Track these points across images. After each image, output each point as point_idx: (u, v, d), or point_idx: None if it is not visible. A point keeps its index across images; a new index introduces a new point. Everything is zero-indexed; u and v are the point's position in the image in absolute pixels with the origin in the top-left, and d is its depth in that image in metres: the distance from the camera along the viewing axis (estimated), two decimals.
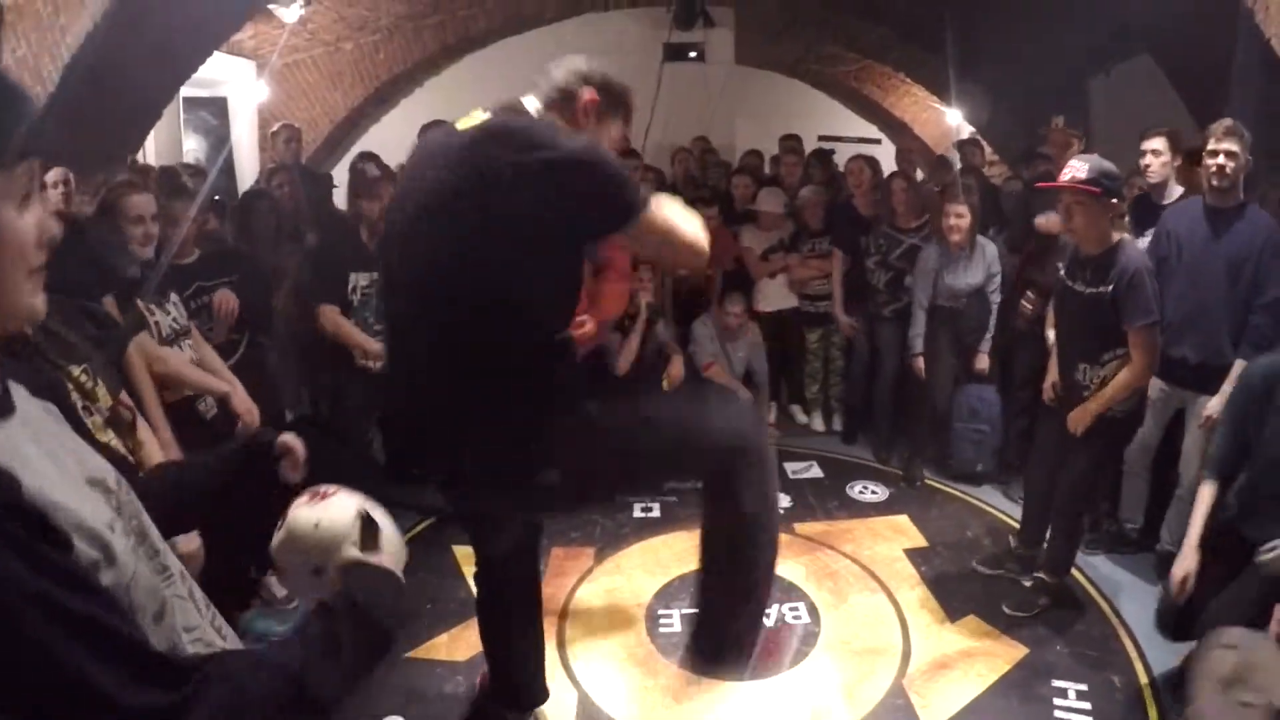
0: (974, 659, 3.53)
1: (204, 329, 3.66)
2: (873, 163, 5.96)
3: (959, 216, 4.91)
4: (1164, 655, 3.42)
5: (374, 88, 8.88)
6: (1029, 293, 4.74)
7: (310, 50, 8.29)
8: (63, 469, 1.06)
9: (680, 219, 2.07)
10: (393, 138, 7.94)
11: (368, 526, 1.42)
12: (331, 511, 1.45)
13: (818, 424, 6.17)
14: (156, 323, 3.28)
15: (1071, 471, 3.67)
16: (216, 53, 6.29)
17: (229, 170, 7.82)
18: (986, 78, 8.22)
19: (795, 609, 3.88)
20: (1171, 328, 3.84)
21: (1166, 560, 3.58)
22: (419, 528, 4.58)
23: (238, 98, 8.26)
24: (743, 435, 2.25)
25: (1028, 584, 3.95)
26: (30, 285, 1.03)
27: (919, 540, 4.55)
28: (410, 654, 3.53)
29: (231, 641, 1.32)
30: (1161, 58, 6.45)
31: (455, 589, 4.00)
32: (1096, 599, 3.98)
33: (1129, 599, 3.92)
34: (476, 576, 2.94)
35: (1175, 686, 3.11)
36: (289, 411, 4.67)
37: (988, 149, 8.65)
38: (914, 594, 4.02)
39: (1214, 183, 3.71)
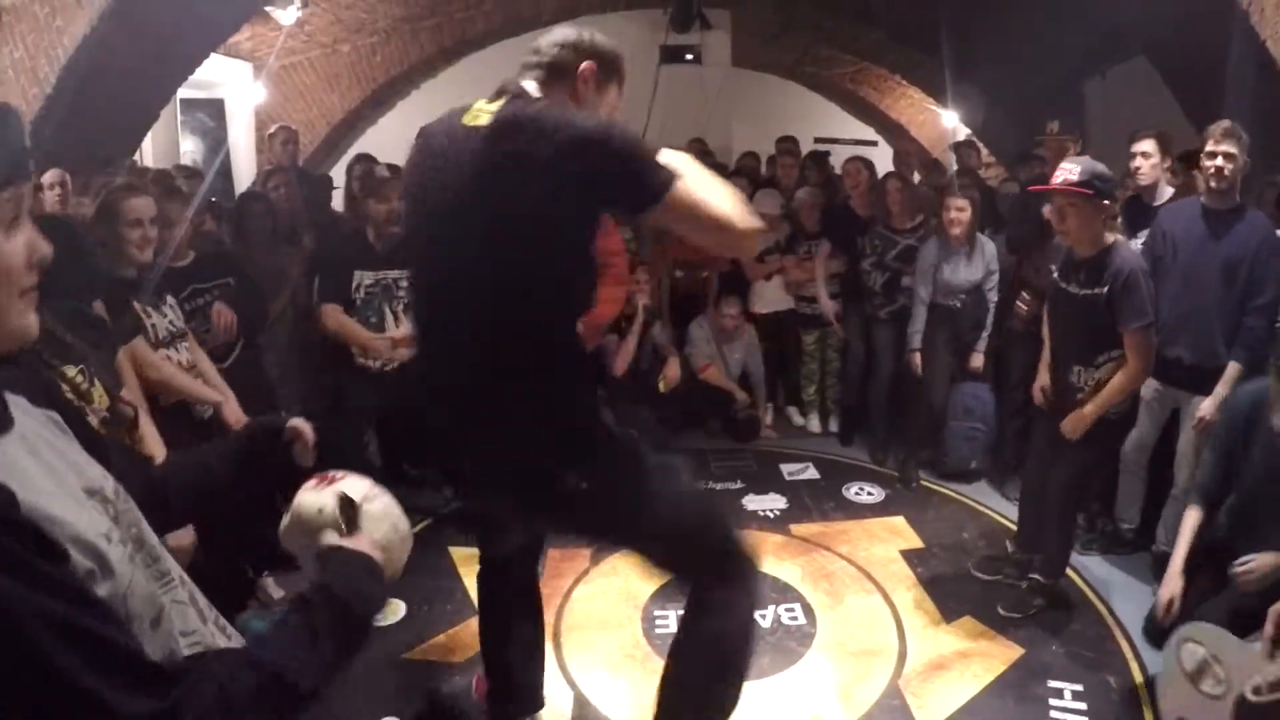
0: (970, 659, 3.54)
1: (200, 331, 3.67)
2: (869, 164, 5.98)
3: (959, 210, 4.92)
4: (1159, 656, 3.42)
5: (371, 90, 8.89)
6: (1024, 293, 4.75)
7: (307, 52, 8.30)
8: (60, 481, 1.07)
9: (714, 194, 1.90)
10: (390, 140, 7.95)
11: (346, 509, 1.43)
12: (334, 496, 1.47)
13: (814, 425, 6.18)
14: (153, 325, 3.29)
15: (1063, 473, 3.67)
16: (213, 54, 6.30)
17: (226, 172, 7.83)
18: (983, 80, 8.25)
19: (791, 610, 3.89)
20: (1166, 328, 3.85)
21: (1162, 560, 3.59)
22: (416, 529, 4.57)
23: (235, 99, 8.27)
24: (753, 564, 2.28)
25: (1023, 585, 3.96)
26: (21, 306, 1.04)
27: (915, 541, 4.55)
28: (407, 655, 3.54)
29: (235, 641, 1.33)
30: (1157, 59, 6.47)
31: (452, 590, 4.00)
32: (1092, 599, 3.98)
33: (1124, 599, 3.92)
34: (479, 576, 2.94)
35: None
36: (285, 414, 4.67)
37: (984, 151, 8.67)
38: (910, 595, 4.02)
39: (1212, 184, 3.72)
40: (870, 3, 8.60)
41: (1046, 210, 4.65)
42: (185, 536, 2.49)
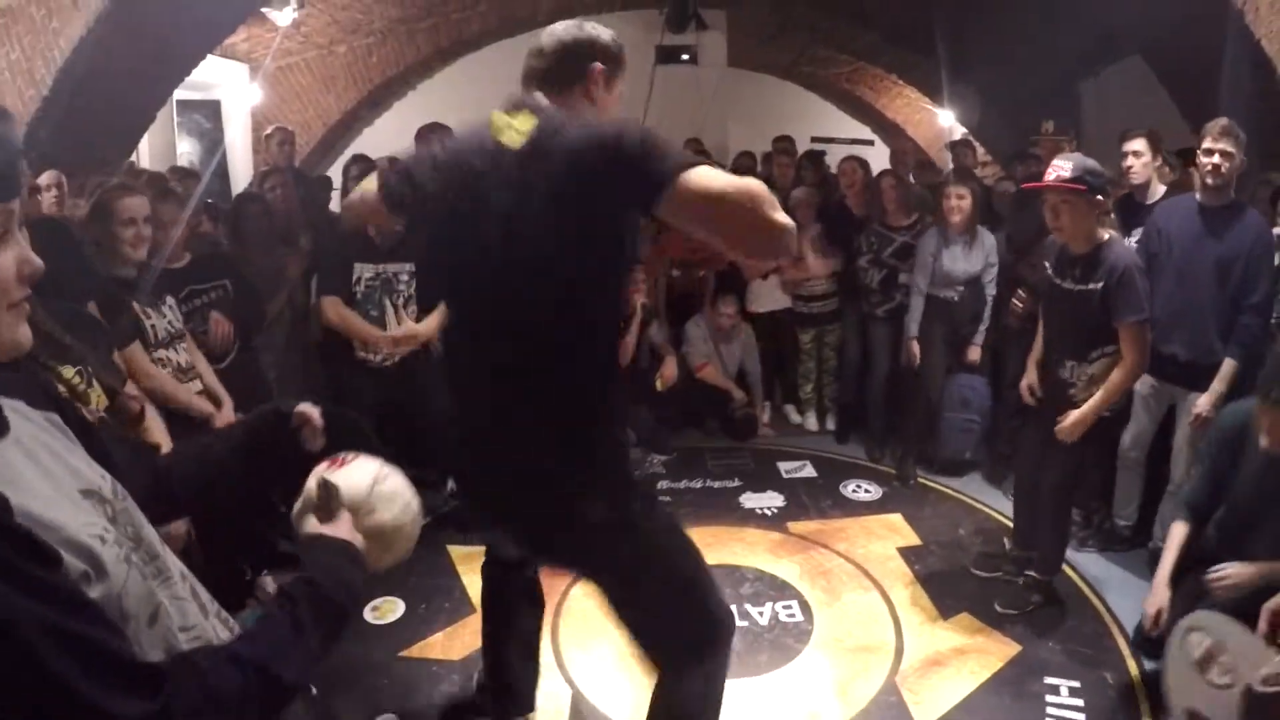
0: (967, 656, 3.55)
1: (197, 333, 3.68)
2: (864, 164, 5.99)
3: (960, 198, 4.94)
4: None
5: (367, 90, 8.89)
6: (1020, 291, 4.76)
7: (303, 53, 8.30)
8: (56, 484, 1.09)
9: (740, 184, 1.73)
10: (386, 140, 7.97)
11: (324, 494, 1.44)
12: (350, 478, 1.50)
13: (811, 423, 6.19)
14: (152, 325, 3.30)
15: (1056, 470, 3.68)
16: (210, 55, 6.30)
17: (222, 173, 7.84)
18: (978, 80, 8.26)
19: (789, 607, 3.90)
20: (1162, 325, 3.86)
21: (1158, 557, 3.59)
22: None
23: (231, 101, 8.27)
24: (729, 633, 2.33)
25: (1020, 582, 3.97)
26: (11, 319, 1.06)
27: (912, 539, 4.56)
28: (405, 652, 3.55)
29: (237, 634, 1.34)
30: (1152, 59, 6.49)
31: (450, 589, 4.01)
32: (1089, 596, 3.99)
33: (1121, 596, 3.93)
34: (484, 572, 2.94)
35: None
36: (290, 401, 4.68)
37: (980, 150, 8.68)
38: (907, 592, 4.03)
39: (1208, 181, 3.73)
40: (865, 4, 8.61)
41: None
42: (179, 524, 2.50)
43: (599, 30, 2.14)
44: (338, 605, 1.27)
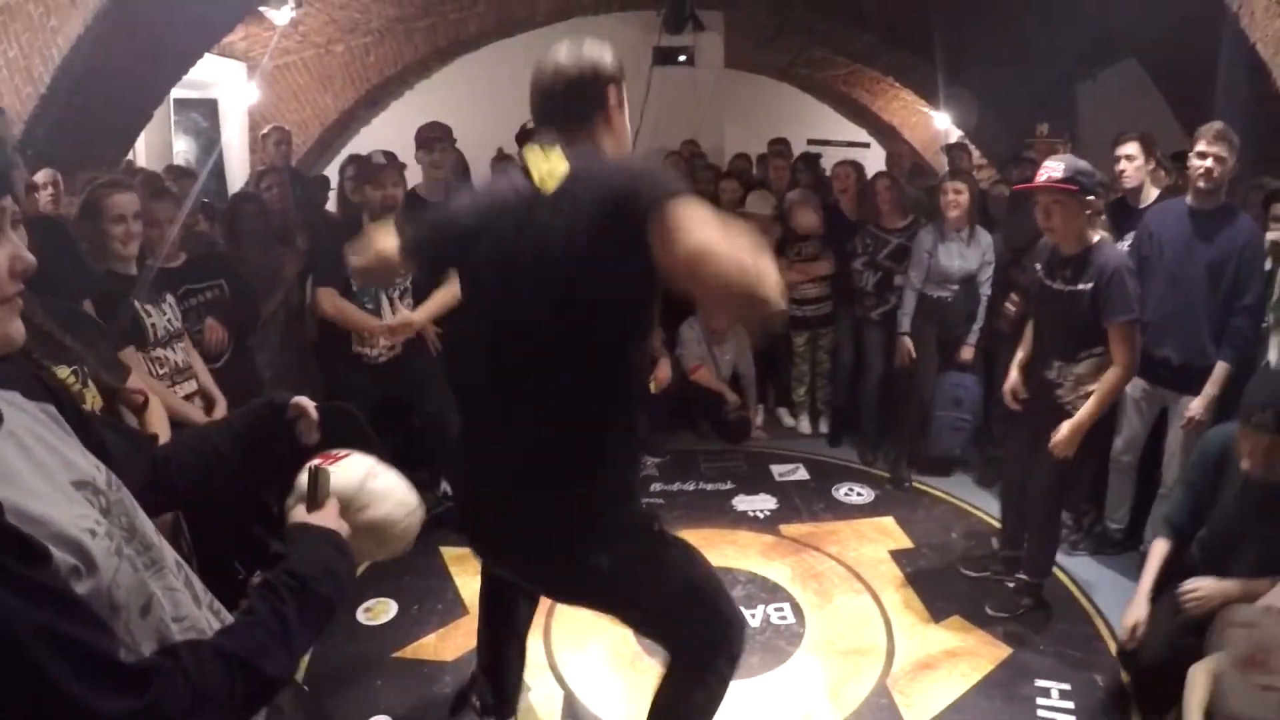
0: (958, 659, 3.56)
1: (193, 332, 3.69)
2: (858, 167, 6.01)
3: (957, 192, 4.96)
4: None
5: (364, 90, 8.90)
6: (1013, 294, 4.78)
7: (301, 52, 8.31)
8: (49, 476, 1.10)
9: (725, 240, 1.67)
10: (383, 140, 7.96)
11: (313, 483, 1.45)
12: (341, 474, 1.51)
13: (804, 426, 6.19)
14: (152, 324, 3.32)
15: (1044, 473, 3.69)
16: (207, 54, 6.31)
17: (219, 172, 7.84)
18: (974, 83, 8.28)
19: (780, 609, 3.90)
20: (1154, 328, 3.88)
21: None
22: None
23: (228, 99, 8.28)
24: (743, 632, 2.39)
25: (1011, 585, 3.98)
26: (3, 314, 1.08)
27: (904, 542, 4.57)
28: (398, 653, 3.55)
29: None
30: (1147, 62, 6.50)
31: (443, 590, 4.02)
32: (1080, 599, 4.01)
33: (1112, 599, 3.92)
34: (484, 568, 2.95)
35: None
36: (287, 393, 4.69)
37: (976, 153, 8.70)
38: (898, 595, 4.04)
39: (1200, 184, 3.75)
40: (863, 6, 8.63)
41: None
42: (164, 515, 2.51)
43: (601, 53, 2.09)
44: (322, 597, 1.28)
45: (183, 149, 7.94)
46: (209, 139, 8.18)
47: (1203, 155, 3.71)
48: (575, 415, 2.00)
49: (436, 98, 9.01)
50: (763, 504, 5.01)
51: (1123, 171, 4.29)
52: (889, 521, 4.81)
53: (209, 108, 8.30)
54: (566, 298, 1.90)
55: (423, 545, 4.31)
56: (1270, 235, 3.88)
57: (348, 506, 1.48)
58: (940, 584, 4.12)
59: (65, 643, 0.94)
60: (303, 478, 1.51)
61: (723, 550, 4.39)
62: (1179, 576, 3.09)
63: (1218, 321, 3.80)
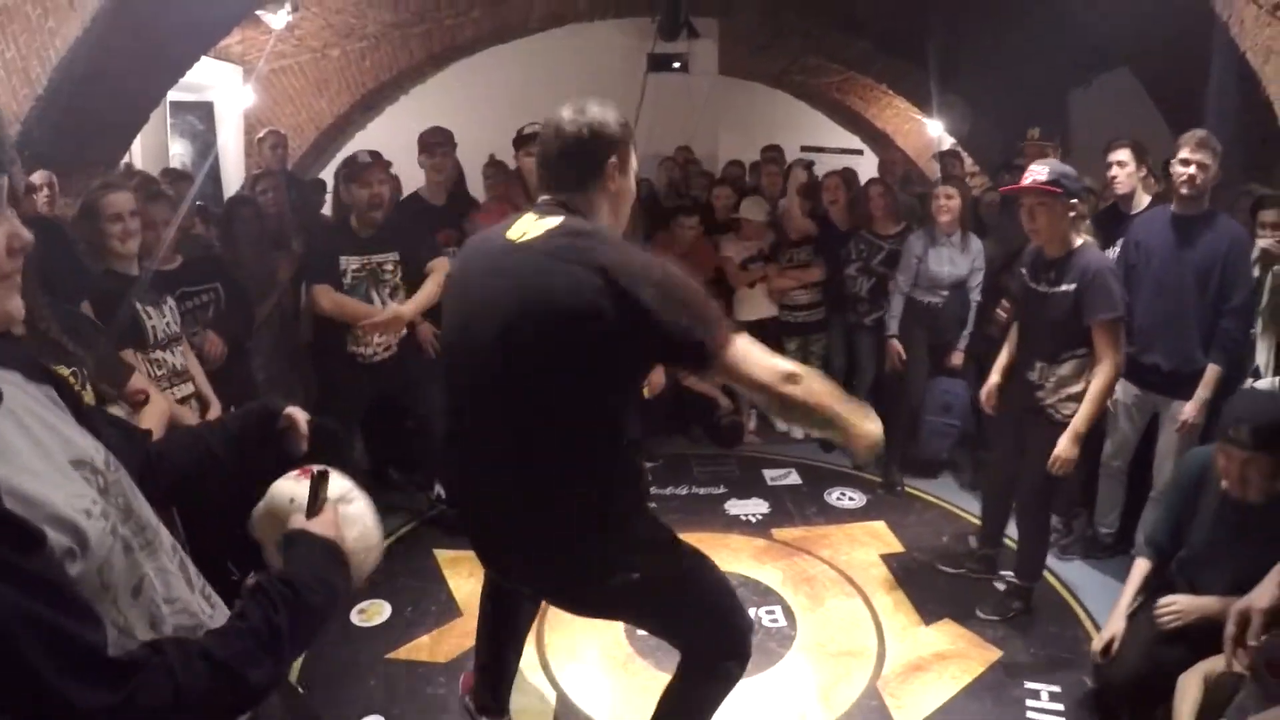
0: (948, 661, 3.59)
1: (188, 334, 3.70)
2: (849, 179, 6.04)
3: (948, 197, 5.00)
4: None
5: (360, 95, 8.90)
6: (1004, 300, 4.81)
7: (297, 56, 8.32)
8: (47, 455, 1.11)
9: (757, 362, 1.95)
10: (378, 145, 7.94)
11: (316, 489, 1.45)
12: (307, 489, 1.49)
13: (797, 432, 6.20)
14: (153, 326, 3.34)
15: (1029, 477, 3.73)
16: (203, 57, 6.31)
17: (215, 175, 7.84)
18: (968, 90, 8.31)
19: (772, 612, 3.93)
20: (1143, 335, 3.94)
21: None
22: (401, 531, 4.62)
23: (224, 103, 8.28)
24: (751, 631, 2.48)
25: (1001, 588, 4.02)
26: (3, 290, 1.09)
27: (895, 546, 4.60)
28: (392, 655, 3.56)
29: (219, 611, 1.37)
30: (1139, 71, 6.54)
31: (437, 592, 4.03)
32: (1070, 603, 4.04)
33: (1102, 602, 3.94)
34: (487, 574, 2.97)
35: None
36: (282, 401, 4.69)
37: (968, 160, 8.74)
38: (889, 598, 4.06)
39: (1183, 191, 3.78)
40: (856, 13, 8.66)
41: None
42: None
43: (604, 115, 2.10)
44: (315, 608, 1.27)
45: (179, 152, 7.94)
46: (205, 142, 8.19)
47: (1185, 163, 3.75)
48: (552, 441, 2.04)
49: (432, 103, 9.01)
50: (755, 508, 5.04)
51: (1114, 178, 4.32)
52: (880, 525, 4.83)
53: (205, 111, 8.30)
54: (531, 348, 1.98)
55: (417, 547, 4.38)
56: (1260, 242, 3.91)
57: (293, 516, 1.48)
58: (931, 587, 4.15)
59: (50, 632, 0.95)
60: (277, 485, 1.51)
61: (715, 554, 4.28)
62: (1158, 593, 3.13)
63: (1207, 326, 3.83)
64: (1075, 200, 3.44)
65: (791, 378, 1.95)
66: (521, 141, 4.47)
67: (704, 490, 5.29)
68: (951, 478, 5.45)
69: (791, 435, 6.18)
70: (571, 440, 2.04)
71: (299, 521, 1.42)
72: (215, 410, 3.57)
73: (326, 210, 6.20)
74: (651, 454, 5.64)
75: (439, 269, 4.18)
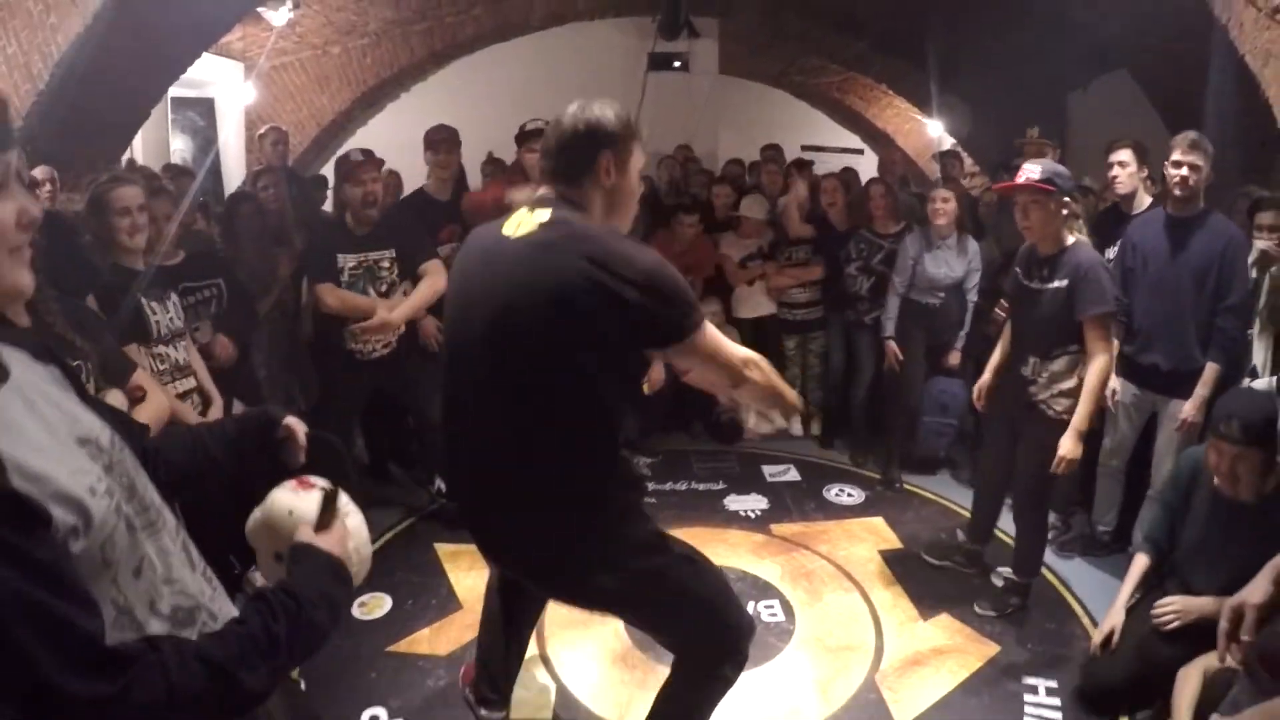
0: (946, 656, 3.60)
1: (191, 329, 3.72)
2: (846, 182, 6.06)
3: (944, 200, 5.02)
4: None
5: (361, 92, 8.92)
6: (1003, 300, 4.82)
7: (298, 53, 8.33)
8: (52, 431, 1.12)
9: (725, 346, 2.10)
10: (379, 142, 7.95)
11: (327, 505, 1.46)
12: (308, 503, 1.49)
13: (795, 428, 6.23)
14: (157, 321, 3.36)
15: (1024, 473, 3.77)
16: (205, 53, 6.32)
17: (216, 171, 7.85)
18: (968, 91, 8.34)
19: (770, 606, 3.94)
20: (1142, 335, 3.96)
21: None
22: (403, 524, 4.63)
23: (225, 99, 8.29)
24: (750, 634, 2.45)
25: (999, 584, 4.04)
26: (12, 263, 1.10)
27: (894, 542, 4.61)
28: (392, 647, 3.57)
29: (220, 595, 1.38)
30: (1139, 73, 6.56)
31: (437, 586, 4.05)
32: (1067, 598, 4.05)
33: (1100, 599, 3.95)
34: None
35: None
36: (282, 410, 4.71)
37: (968, 160, 8.76)
38: (887, 593, 4.08)
39: (1176, 193, 3.81)
40: (856, 14, 8.68)
41: None
42: None
43: (603, 113, 2.15)
44: (316, 623, 1.27)
45: (180, 147, 7.95)
46: (206, 138, 8.20)
47: (1178, 164, 3.77)
48: (543, 433, 2.08)
49: (433, 100, 9.03)
50: (754, 504, 5.05)
51: (1115, 178, 4.32)
52: (879, 522, 4.85)
53: (206, 107, 8.31)
54: (514, 344, 2.04)
55: (417, 541, 4.39)
56: (1258, 244, 3.92)
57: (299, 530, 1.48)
58: (929, 583, 4.16)
59: (49, 620, 0.96)
60: (275, 496, 1.52)
61: (714, 549, 4.41)
62: (1154, 590, 3.16)
63: (1205, 326, 3.84)
64: (1068, 198, 3.47)
65: (751, 363, 2.14)
66: (524, 138, 4.49)
67: (703, 486, 5.30)
68: (950, 475, 5.47)
69: (791, 433, 6.20)
70: (563, 432, 2.07)
71: (307, 534, 1.43)
72: (217, 405, 3.59)
73: (328, 207, 6.22)
74: (651, 450, 5.67)
75: (432, 272, 4.21)
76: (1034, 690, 3.37)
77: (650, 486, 5.23)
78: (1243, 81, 4.43)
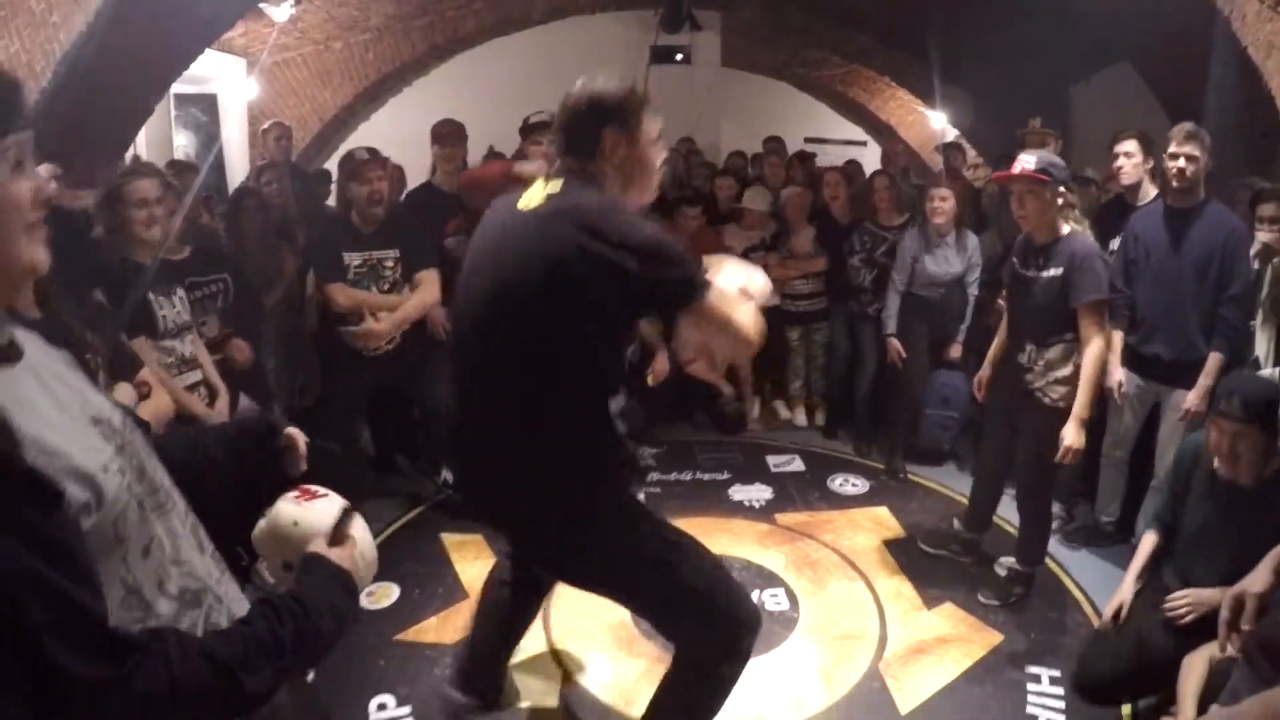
0: (949, 645, 3.61)
1: (198, 323, 3.74)
2: (849, 175, 6.06)
3: (943, 199, 5.02)
4: None
5: (363, 87, 8.92)
6: (1005, 291, 4.82)
7: (300, 49, 8.33)
8: (65, 410, 1.14)
9: (734, 309, 2.06)
10: (381, 137, 7.96)
11: (343, 520, 1.49)
12: (313, 514, 1.51)
13: (800, 419, 6.24)
14: (164, 316, 3.38)
15: (1024, 461, 3.80)
16: (207, 50, 6.33)
17: (219, 167, 7.86)
18: (971, 83, 8.33)
19: (775, 595, 3.96)
20: (1144, 326, 3.97)
21: None
22: (409, 515, 4.66)
23: (228, 95, 8.29)
24: (751, 632, 2.40)
25: (1002, 573, 4.05)
26: (28, 239, 1.11)
27: (897, 531, 4.63)
28: (399, 636, 3.60)
29: (228, 579, 1.40)
30: (1141, 66, 6.56)
31: (443, 575, 4.07)
32: (1070, 588, 4.06)
33: (1103, 589, 3.95)
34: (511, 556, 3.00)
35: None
36: (283, 418, 4.73)
37: (971, 152, 8.76)
38: (891, 582, 4.09)
39: (1175, 184, 3.83)
40: (858, 7, 8.68)
41: None
42: None
43: (606, 89, 2.16)
44: (321, 632, 1.28)
45: (183, 143, 7.96)
46: (209, 134, 8.21)
47: (1175, 156, 3.78)
48: (537, 399, 2.11)
49: (434, 95, 9.04)
50: (759, 494, 5.07)
51: (1120, 168, 4.32)
52: (883, 511, 4.86)
53: (209, 103, 8.31)
54: (517, 310, 2.07)
55: (424, 532, 4.41)
56: (1260, 236, 3.93)
57: (308, 544, 1.50)
58: (933, 572, 4.18)
59: (59, 598, 0.96)
60: (279, 507, 1.53)
61: (718, 538, 4.44)
62: (1155, 578, 3.19)
63: (1207, 316, 3.85)
64: (1063, 188, 3.50)
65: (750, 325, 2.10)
66: (528, 130, 4.50)
67: (708, 476, 5.32)
68: (954, 465, 5.48)
69: (795, 423, 6.22)
70: (556, 399, 2.10)
71: (320, 546, 1.45)
72: (223, 398, 3.61)
73: (332, 202, 6.24)
74: (656, 440, 5.68)
75: (425, 283, 4.24)
76: (1037, 679, 3.39)
77: (655, 477, 5.26)
78: (1245, 73, 4.44)
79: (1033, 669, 3.45)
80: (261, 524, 1.55)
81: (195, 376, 3.56)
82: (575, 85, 2.18)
